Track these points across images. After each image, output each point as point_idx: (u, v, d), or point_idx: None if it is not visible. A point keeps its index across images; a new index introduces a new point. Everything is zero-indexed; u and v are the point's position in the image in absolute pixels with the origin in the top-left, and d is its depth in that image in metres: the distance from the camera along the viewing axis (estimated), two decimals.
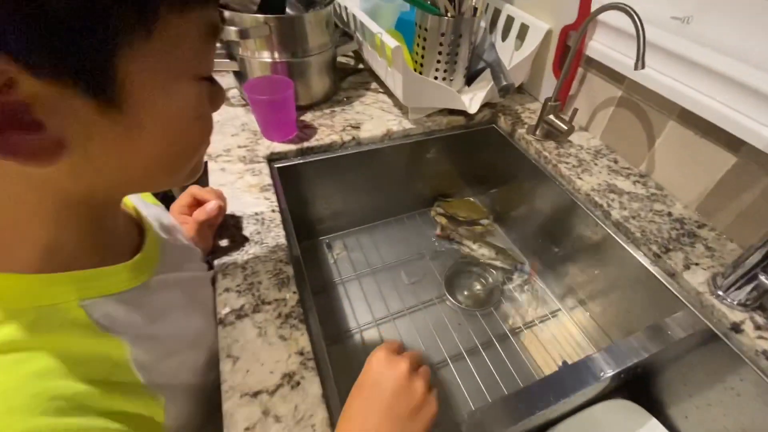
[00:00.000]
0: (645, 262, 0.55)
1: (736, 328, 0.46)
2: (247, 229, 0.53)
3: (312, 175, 0.73)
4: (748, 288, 0.45)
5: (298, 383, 0.39)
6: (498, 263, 0.80)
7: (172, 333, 0.37)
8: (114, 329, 0.30)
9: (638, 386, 0.60)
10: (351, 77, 0.89)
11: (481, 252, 0.79)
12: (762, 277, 0.43)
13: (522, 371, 0.65)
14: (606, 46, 0.65)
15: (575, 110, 0.66)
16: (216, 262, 0.49)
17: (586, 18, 0.60)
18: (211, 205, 0.48)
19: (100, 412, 0.27)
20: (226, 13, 0.64)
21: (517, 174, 0.79)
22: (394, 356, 0.39)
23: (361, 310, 0.73)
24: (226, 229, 0.53)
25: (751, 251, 0.44)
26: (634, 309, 0.60)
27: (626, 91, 0.65)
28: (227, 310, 0.44)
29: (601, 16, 0.59)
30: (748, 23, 0.51)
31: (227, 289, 0.46)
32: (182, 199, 0.51)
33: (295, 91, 0.72)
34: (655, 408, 0.58)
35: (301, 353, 0.41)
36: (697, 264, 0.52)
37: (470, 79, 0.79)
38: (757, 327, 0.45)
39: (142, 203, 0.42)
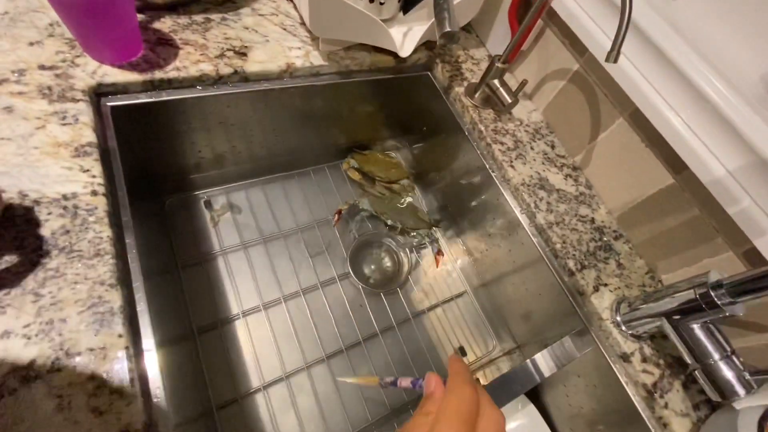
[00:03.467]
0: (558, 278, 0.51)
1: (626, 358, 0.46)
2: (48, 226, 0.35)
3: (173, 117, 0.52)
4: (648, 325, 0.44)
5: None
6: (417, 230, 0.72)
7: None
8: None
9: None
10: None
11: (390, 222, 0.70)
12: (665, 323, 0.42)
13: (419, 359, 0.63)
14: (578, 4, 0.51)
15: (524, 82, 0.54)
16: None
17: None
18: None
19: None
20: None
21: (446, 138, 0.67)
22: None
23: (247, 291, 0.61)
24: (3, 227, 0.34)
25: (664, 292, 0.42)
26: (537, 312, 0.59)
27: (584, 67, 0.54)
28: (5, 370, 0.29)
29: None
30: (738, 16, 0.41)
31: (5, 334, 0.30)
32: None
33: None
34: (534, 396, 0.62)
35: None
36: (606, 285, 0.49)
37: (408, 2, 0.60)
38: (644, 359, 0.46)
39: None
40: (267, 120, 0.61)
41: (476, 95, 0.61)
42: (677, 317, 0.41)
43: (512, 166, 0.56)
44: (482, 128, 0.59)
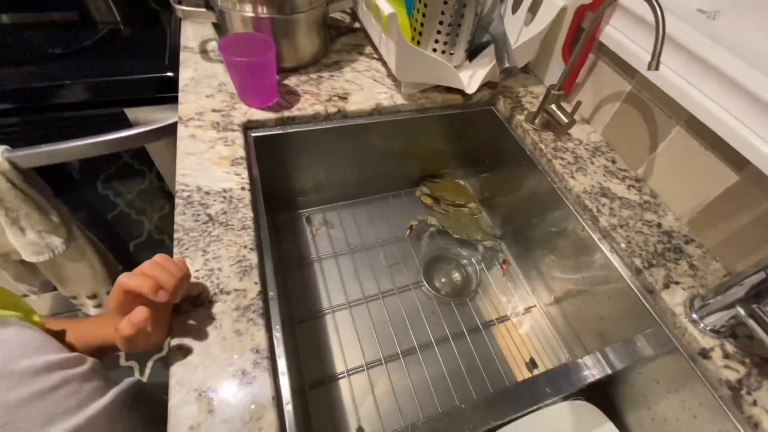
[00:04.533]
0: (626, 275, 0.53)
1: (705, 354, 0.45)
2: (213, 208, 0.50)
3: (292, 147, 0.68)
4: (725, 317, 0.44)
5: (250, 383, 0.37)
6: (481, 241, 0.78)
7: None
8: None
9: (599, 388, 0.61)
10: (344, 37, 0.81)
11: (456, 235, 0.77)
12: (740, 310, 0.42)
13: (489, 366, 0.66)
14: (623, 34, 0.59)
15: (578, 103, 0.61)
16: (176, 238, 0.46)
17: None
18: (138, 316, 0.34)
19: None
20: None
21: (510, 162, 0.75)
22: None
23: (336, 291, 0.72)
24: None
25: (737, 280, 0.42)
26: (608, 317, 0.59)
27: (636, 87, 0.60)
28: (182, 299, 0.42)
29: (623, 0, 0.53)
30: None
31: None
32: (114, 298, 0.36)
33: (278, 52, 0.66)
34: (613, 412, 0.59)
35: (257, 350, 0.39)
36: (677, 283, 0.50)
37: (473, 53, 0.73)
38: (726, 355, 0.44)
39: None
40: (358, 152, 0.75)
41: (536, 121, 0.69)
42: (752, 303, 0.41)
43: (573, 177, 0.61)
44: (542, 147, 0.66)
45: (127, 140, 0.71)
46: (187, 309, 0.41)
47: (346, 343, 0.66)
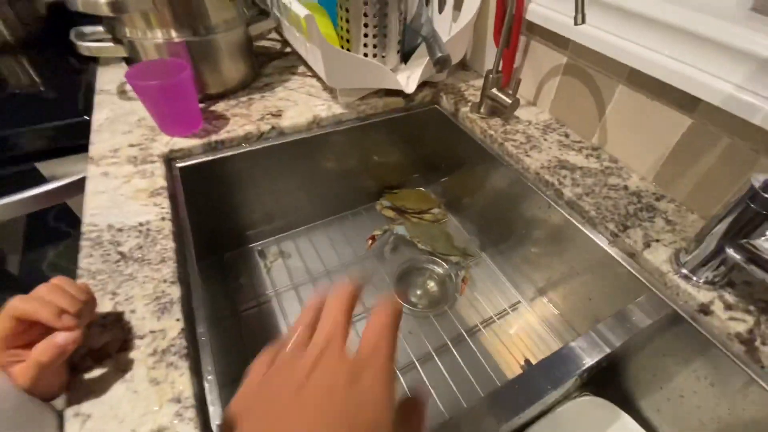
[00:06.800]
0: (602, 243, 0.48)
1: (705, 309, 0.40)
2: (126, 245, 0.42)
3: (229, 175, 0.62)
4: (715, 263, 0.39)
5: None
6: (448, 256, 0.72)
7: None
8: None
9: (605, 379, 0.54)
10: (275, 62, 0.79)
11: (421, 246, 0.71)
12: (729, 250, 0.37)
13: (481, 376, 0.58)
14: (546, 7, 0.58)
15: (518, 81, 0.60)
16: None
17: None
18: (65, 338, 0.29)
19: None
20: None
21: (465, 157, 0.72)
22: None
23: None
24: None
25: (714, 222, 0.38)
26: (596, 296, 0.54)
27: (571, 57, 0.59)
28: (82, 351, 0.34)
29: None
30: None
31: (88, 325, 0.36)
32: (0, 327, 0.29)
33: (201, 78, 0.63)
34: (626, 402, 0.52)
35: (178, 400, 0.31)
36: (657, 240, 0.46)
37: (408, 56, 0.71)
38: (728, 307, 0.39)
39: None
40: (306, 173, 0.70)
41: (481, 109, 0.67)
42: (740, 240, 0.37)
43: (528, 156, 0.58)
44: (492, 133, 0.63)
45: (43, 197, 0.63)
46: (89, 365, 0.33)
47: None
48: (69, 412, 0.30)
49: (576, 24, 0.44)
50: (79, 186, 0.65)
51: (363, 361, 0.21)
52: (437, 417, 0.53)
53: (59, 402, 0.31)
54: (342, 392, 0.20)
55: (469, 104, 0.69)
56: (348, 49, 0.66)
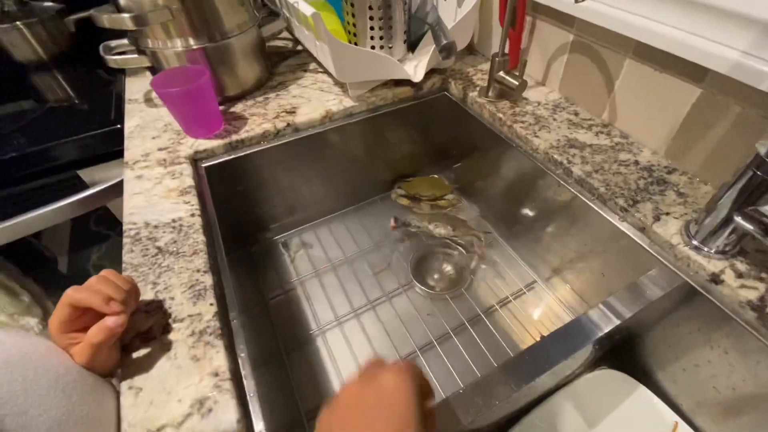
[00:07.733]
0: (613, 218, 0.49)
1: (716, 279, 0.40)
2: (162, 240, 0.47)
3: (250, 171, 0.66)
4: (725, 232, 0.40)
5: (210, 410, 0.33)
6: (458, 239, 0.74)
7: None
8: None
9: (622, 353, 0.55)
10: (288, 60, 0.82)
11: (438, 231, 0.73)
12: (738, 219, 0.38)
13: (499, 354, 0.60)
14: None
15: (524, 62, 0.60)
16: None
17: None
18: (114, 321, 0.33)
19: None
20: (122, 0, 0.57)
21: (475, 142, 0.73)
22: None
23: (322, 310, 0.67)
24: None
25: (722, 191, 0.38)
26: (609, 272, 0.54)
27: (578, 34, 0.58)
28: (131, 334, 0.38)
29: None
30: None
31: (134, 312, 0.40)
32: (58, 314, 0.34)
33: (219, 81, 0.66)
34: (642, 374, 0.53)
35: (216, 374, 0.35)
36: (668, 213, 0.46)
37: (415, 45, 0.73)
38: (739, 275, 0.40)
39: None
40: (322, 166, 0.73)
41: (489, 93, 0.67)
42: (748, 208, 0.37)
43: (537, 136, 0.58)
44: (501, 116, 0.64)
45: (85, 202, 0.69)
46: (138, 346, 0.37)
47: (342, 361, 0.60)
48: (124, 386, 0.35)
49: (576, 2, 0.44)
50: (116, 189, 0.70)
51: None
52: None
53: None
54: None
55: (478, 89, 0.70)
56: (355, 43, 0.68)
